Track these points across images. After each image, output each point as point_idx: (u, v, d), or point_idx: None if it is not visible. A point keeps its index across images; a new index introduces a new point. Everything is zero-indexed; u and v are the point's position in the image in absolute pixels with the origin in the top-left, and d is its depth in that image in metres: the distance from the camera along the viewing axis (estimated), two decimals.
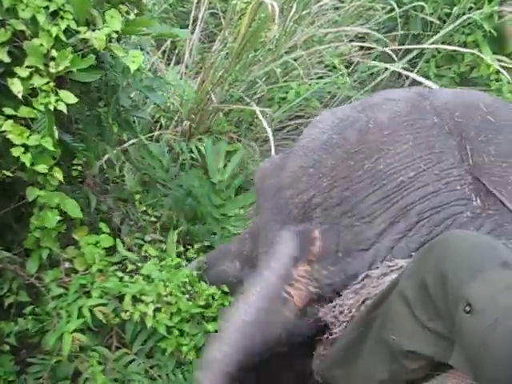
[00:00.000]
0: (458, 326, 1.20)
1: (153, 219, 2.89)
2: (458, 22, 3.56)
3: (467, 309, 1.18)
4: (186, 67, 4.00)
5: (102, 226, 2.46)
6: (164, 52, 4.17)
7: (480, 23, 3.63)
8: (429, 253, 1.36)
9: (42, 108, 2.04)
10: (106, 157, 2.84)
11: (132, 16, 2.30)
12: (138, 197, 2.88)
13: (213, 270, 2.42)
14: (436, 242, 1.38)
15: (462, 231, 1.56)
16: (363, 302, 1.66)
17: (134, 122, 3.28)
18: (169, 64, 4.14)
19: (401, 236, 1.69)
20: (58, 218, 2.20)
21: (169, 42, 4.14)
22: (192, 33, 4.01)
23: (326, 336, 1.77)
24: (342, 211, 1.77)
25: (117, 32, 2.15)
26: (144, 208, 2.87)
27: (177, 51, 4.20)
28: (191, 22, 3.99)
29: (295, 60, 3.69)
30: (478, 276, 1.21)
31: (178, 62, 4.14)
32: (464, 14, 3.70)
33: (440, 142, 1.78)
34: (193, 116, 3.64)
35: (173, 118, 3.68)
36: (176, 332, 2.33)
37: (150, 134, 3.42)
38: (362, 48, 4.03)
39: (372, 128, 1.82)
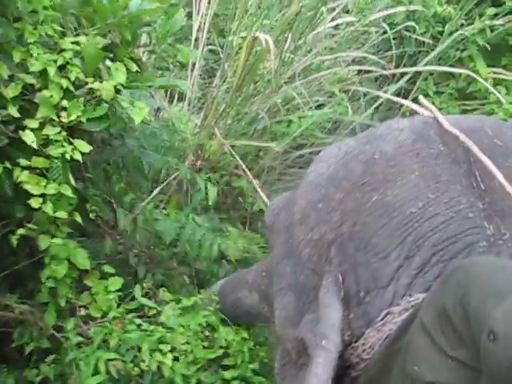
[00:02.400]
0: (482, 355, 1.16)
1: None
2: (450, 39, 3.60)
3: (491, 336, 1.14)
4: (189, 104, 4.07)
5: (107, 268, 2.48)
6: (166, 90, 4.25)
7: (473, 38, 3.69)
8: (448, 280, 1.34)
9: (57, 157, 2.10)
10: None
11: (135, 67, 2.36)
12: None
13: (230, 296, 2.44)
14: (456, 269, 1.36)
15: (482, 257, 1.54)
16: (386, 339, 1.64)
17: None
18: (172, 101, 4.21)
19: (417, 271, 1.66)
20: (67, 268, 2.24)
21: None
22: (192, 70, 4.09)
23: (350, 375, 1.75)
24: (356, 247, 1.74)
25: (122, 84, 2.24)
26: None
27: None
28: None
29: (295, 89, 3.74)
30: (500, 302, 1.17)
31: (180, 99, 4.21)
32: (457, 30, 3.76)
33: (447, 170, 1.75)
34: (199, 151, 3.71)
35: (180, 154, 3.74)
36: (193, 381, 2.34)
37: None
38: (359, 72, 4.08)
39: (377, 159, 1.80)
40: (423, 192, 1.70)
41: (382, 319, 1.67)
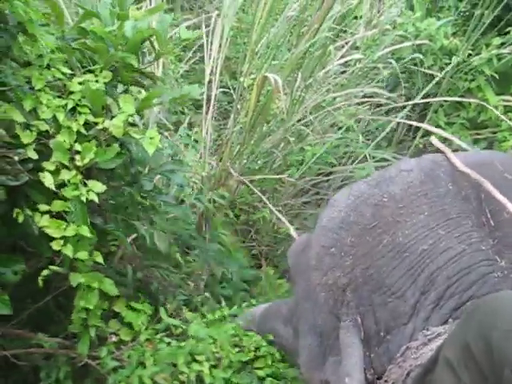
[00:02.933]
0: None
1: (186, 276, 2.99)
2: (456, 69, 3.64)
3: None
4: (204, 146, 4.14)
5: (140, 295, 2.56)
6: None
7: (480, 68, 3.74)
8: (471, 315, 1.34)
9: (73, 199, 2.14)
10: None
11: (143, 93, 2.42)
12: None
13: (266, 326, 2.48)
14: (478, 305, 1.36)
15: (504, 292, 1.52)
16: (407, 374, 1.65)
17: (160, 205, 3.40)
18: (187, 144, 4.28)
19: (433, 306, 1.68)
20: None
21: (186, 124, 4.29)
22: (206, 112, 4.16)
23: None
24: (371, 290, 1.78)
25: (132, 115, 2.27)
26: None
27: (194, 131, 4.35)
28: (205, 102, 4.13)
29: (307, 126, 3.80)
30: None
31: (196, 142, 4.28)
32: (464, 61, 3.81)
33: (456, 208, 1.78)
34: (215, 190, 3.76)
35: (198, 198, 3.79)
36: (233, 383, 2.40)
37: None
38: (370, 107, 4.14)
39: (386, 202, 1.85)
40: (433, 229, 1.74)
41: (402, 355, 1.68)
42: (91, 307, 2.23)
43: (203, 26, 4.40)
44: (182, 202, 3.77)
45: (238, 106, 4.24)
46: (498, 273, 1.66)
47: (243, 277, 3.29)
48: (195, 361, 2.34)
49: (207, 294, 2.94)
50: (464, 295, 1.66)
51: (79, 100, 2.22)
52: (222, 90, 4.60)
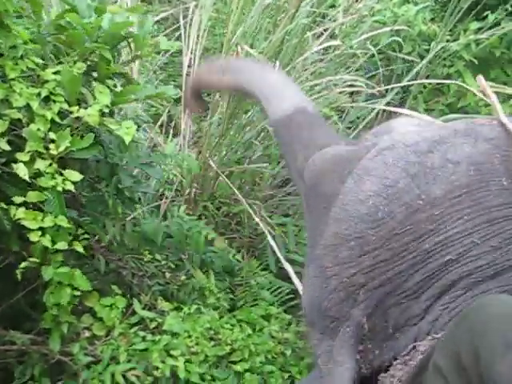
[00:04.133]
0: None
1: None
2: (433, 53, 3.61)
3: None
4: (184, 138, 4.10)
5: (114, 288, 2.52)
6: (161, 126, 4.30)
7: (459, 54, 3.72)
8: (462, 323, 1.27)
9: (49, 189, 2.10)
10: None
11: (119, 88, 2.38)
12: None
13: None
14: (470, 309, 1.29)
15: (497, 297, 1.43)
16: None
17: (140, 198, 3.37)
18: (167, 137, 4.25)
19: (443, 308, 1.59)
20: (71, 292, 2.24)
21: (165, 117, 4.26)
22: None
23: None
24: (386, 292, 1.65)
25: (107, 106, 2.24)
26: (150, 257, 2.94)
27: (173, 124, 4.32)
28: (183, 93, 4.09)
29: None
30: (508, 352, 1.10)
31: (175, 135, 4.25)
32: (442, 47, 3.79)
33: (505, 211, 1.58)
34: (195, 184, 3.73)
35: (177, 189, 3.76)
36: (209, 377, 2.39)
37: (154, 204, 3.49)
38: (351, 94, 4.12)
39: (422, 205, 1.63)
40: (468, 237, 1.58)
41: (408, 353, 1.62)
42: (63, 303, 2.19)
43: (181, 17, 4.36)
44: (162, 195, 3.76)
45: (217, 97, 4.21)
46: None
47: (225, 267, 3.27)
48: (170, 356, 2.31)
49: (183, 278, 2.91)
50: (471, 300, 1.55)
51: (53, 88, 2.18)
52: None
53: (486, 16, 3.79)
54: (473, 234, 1.56)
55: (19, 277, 2.11)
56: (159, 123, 4.21)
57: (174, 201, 3.71)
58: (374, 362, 1.68)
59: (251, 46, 4.21)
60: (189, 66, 4.15)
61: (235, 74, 2.28)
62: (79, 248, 2.20)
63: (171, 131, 4.26)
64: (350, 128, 3.96)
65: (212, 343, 2.43)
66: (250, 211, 3.14)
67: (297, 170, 2.02)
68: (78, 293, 2.24)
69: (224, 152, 3.79)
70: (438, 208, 1.60)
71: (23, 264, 2.12)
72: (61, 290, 2.22)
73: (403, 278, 1.61)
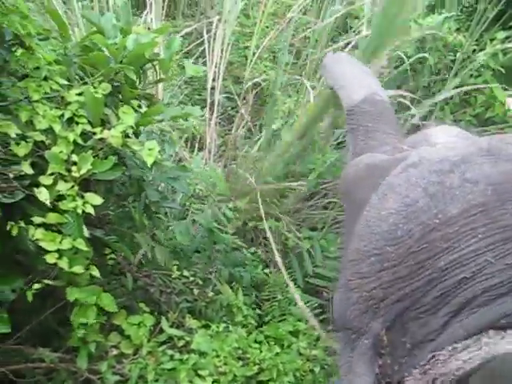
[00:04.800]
0: None
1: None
2: (467, 67, 3.58)
3: None
4: (209, 152, 4.11)
5: (142, 305, 2.52)
6: (187, 140, 4.32)
7: (486, 63, 3.68)
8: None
9: (69, 211, 2.11)
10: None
11: (144, 109, 2.39)
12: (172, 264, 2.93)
13: None
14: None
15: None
16: (433, 381, 1.62)
17: (166, 213, 3.37)
18: (193, 151, 4.27)
19: (459, 323, 1.66)
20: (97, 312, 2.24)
21: (191, 131, 4.28)
22: (210, 118, 4.15)
23: None
24: (404, 307, 1.70)
25: (131, 127, 2.24)
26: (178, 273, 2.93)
27: (199, 138, 4.33)
28: (208, 107, 4.12)
29: None
30: None
31: (201, 149, 4.26)
32: (469, 57, 3.75)
33: None
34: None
35: (203, 203, 3.76)
36: None
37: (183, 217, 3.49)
38: None
39: (438, 224, 1.59)
40: (482, 255, 1.52)
41: (428, 362, 1.63)
42: (89, 323, 2.19)
43: (204, 32, 4.39)
44: (188, 209, 3.76)
45: (242, 111, 4.22)
46: None
47: (252, 280, 3.26)
48: (198, 375, 2.30)
49: (211, 294, 2.90)
50: (487, 314, 1.59)
51: (76, 110, 2.18)
52: (225, 95, 4.59)
53: None
54: (487, 253, 1.51)
55: (30, 298, 2.10)
56: (185, 137, 4.23)
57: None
58: (394, 377, 1.70)
59: (274, 59, 4.23)
60: (213, 80, 4.17)
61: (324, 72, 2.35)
62: (95, 272, 2.20)
63: (196, 145, 4.27)
64: None
65: (240, 363, 2.41)
66: (267, 229, 3.13)
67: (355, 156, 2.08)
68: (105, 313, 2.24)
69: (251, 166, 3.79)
70: (453, 227, 1.56)
71: (36, 286, 2.12)
72: (87, 310, 2.22)
73: (420, 294, 1.64)
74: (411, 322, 1.69)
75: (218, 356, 2.35)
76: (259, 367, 2.43)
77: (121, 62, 2.33)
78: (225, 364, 2.35)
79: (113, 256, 2.52)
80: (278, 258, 3.08)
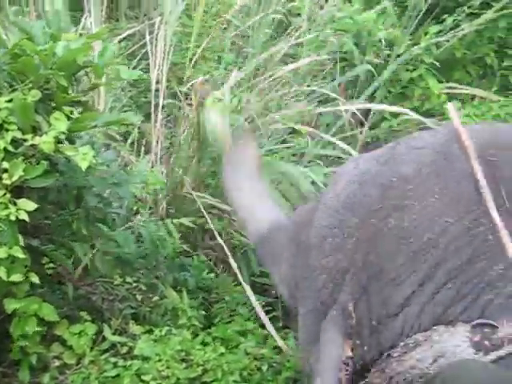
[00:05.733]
0: None
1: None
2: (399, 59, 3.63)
3: None
4: (155, 155, 4.08)
5: (83, 314, 2.50)
6: (133, 143, 4.27)
7: (421, 57, 3.75)
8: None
9: (3, 219, 2.09)
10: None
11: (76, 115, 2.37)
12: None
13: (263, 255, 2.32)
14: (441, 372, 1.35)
15: (468, 364, 1.45)
16: (390, 378, 1.61)
17: (114, 219, 3.33)
18: (139, 155, 4.22)
19: (428, 300, 1.60)
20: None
21: (136, 133, 4.24)
22: (155, 120, 4.11)
23: None
24: (369, 276, 1.68)
25: (64, 133, 2.22)
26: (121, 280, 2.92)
27: (145, 141, 4.29)
28: (153, 110, 4.08)
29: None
30: None
31: (147, 152, 4.23)
32: (406, 51, 3.81)
33: (469, 190, 1.63)
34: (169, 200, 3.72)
35: (151, 206, 3.74)
36: None
37: (128, 225, 3.47)
38: (319, 102, 4.13)
39: (395, 182, 1.71)
40: (442, 215, 1.62)
41: (384, 360, 1.64)
42: (30, 333, 2.18)
43: (147, 34, 4.36)
44: (137, 213, 3.73)
45: (187, 111, 4.20)
46: (500, 266, 1.55)
47: (201, 283, 3.26)
48: (142, 381, 2.30)
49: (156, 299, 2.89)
50: (460, 291, 1.57)
51: (6, 117, 2.16)
52: (170, 96, 4.57)
53: (444, 19, 3.82)
54: (446, 213, 1.60)
55: None
56: (130, 141, 4.18)
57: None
58: (366, 357, 1.71)
59: (219, 59, 4.23)
60: (157, 82, 4.14)
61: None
62: (34, 279, 2.19)
63: (142, 148, 4.23)
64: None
65: (184, 365, 2.41)
66: (213, 229, 3.14)
67: (280, 279, 2.17)
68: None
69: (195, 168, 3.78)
70: (409, 184, 1.67)
71: None
72: (27, 321, 2.21)
73: (385, 260, 1.64)
74: (375, 296, 1.67)
75: (160, 360, 2.36)
76: (203, 368, 2.43)
77: (51, 68, 2.31)
78: (167, 367, 2.35)
79: (51, 265, 2.49)
80: (231, 260, 3.09)
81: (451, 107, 1.86)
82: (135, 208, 3.70)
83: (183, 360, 2.44)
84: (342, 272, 1.76)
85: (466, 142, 1.70)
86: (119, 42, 4.70)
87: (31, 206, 2.15)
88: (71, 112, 2.37)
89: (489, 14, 3.78)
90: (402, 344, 1.62)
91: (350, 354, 1.73)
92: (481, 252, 1.58)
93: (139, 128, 4.36)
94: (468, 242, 1.59)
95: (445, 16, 3.83)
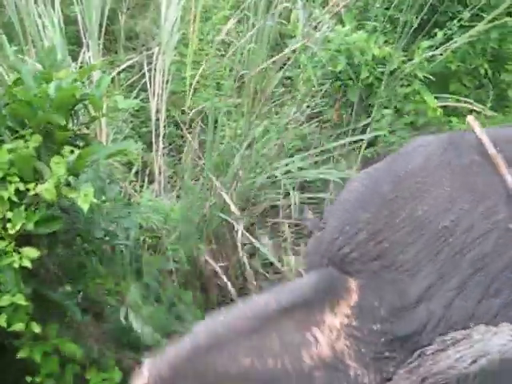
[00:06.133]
0: None
1: None
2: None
3: None
4: (159, 184, 4.12)
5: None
6: (137, 173, 4.31)
7: (414, 73, 3.78)
8: None
9: (6, 268, 2.13)
10: None
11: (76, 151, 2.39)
12: None
13: None
14: None
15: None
16: (422, 380, 1.52)
17: (122, 251, 3.37)
18: (143, 185, 4.26)
19: (455, 293, 1.54)
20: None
21: (140, 164, 4.28)
22: (157, 150, 4.16)
23: None
24: (382, 265, 1.63)
25: (64, 177, 2.26)
26: None
27: (148, 170, 4.33)
28: (154, 139, 4.13)
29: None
30: None
31: (151, 181, 4.26)
32: (398, 68, 3.84)
33: (482, 180, 1.62)
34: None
35: (159, 236, 3.78)
36: None
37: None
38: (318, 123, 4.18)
39: (405, 174, 1.71)
40: (456, 204, 1.59)
41: (416, 360, 1.54)
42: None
43: (145, 64, 4.42)
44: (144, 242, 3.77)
45: (189, 139, 4.24)
46: None
47: None
48: None
49: None
50: (492, 285, 1.52)
51: (8, 169, 2.21)
52: (171, 125, 4.62)
53: (435, 34, 3.85)
54: (460, 201, 1.57)
55: None
56: (134, 170, 4.22)
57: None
58: (363, 344, 1.60)
59: (218, 85, 4.28)
60: (157, 112, 4.19)
61: None
62: (36, 328, 2.22)
63: (146, 179, 4.27)
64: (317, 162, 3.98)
65: None
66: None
67: None
68: None
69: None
70: (420, 175, 1.65)
71: None
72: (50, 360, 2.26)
73: (399, 249, 1.60)
74: (388, 286, 1.59)
75: None
76: None
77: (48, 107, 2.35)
78: None
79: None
80: None
81: (471, 119, 1.81)
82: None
83: None
84: (351, 260, 1.69)
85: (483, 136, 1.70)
86: (118, 73, 4.75)
87: (34, 253, 2.19)
88: (72, 151, 2.40)
89: (480, 26, 3.81)
90: (436, 342, 1.53)
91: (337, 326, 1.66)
92: (507, 240, 1.53)
93: (142, 158, 4.41)
94: (488, 230, 1.55)
95: (436, 30, 3.86)
